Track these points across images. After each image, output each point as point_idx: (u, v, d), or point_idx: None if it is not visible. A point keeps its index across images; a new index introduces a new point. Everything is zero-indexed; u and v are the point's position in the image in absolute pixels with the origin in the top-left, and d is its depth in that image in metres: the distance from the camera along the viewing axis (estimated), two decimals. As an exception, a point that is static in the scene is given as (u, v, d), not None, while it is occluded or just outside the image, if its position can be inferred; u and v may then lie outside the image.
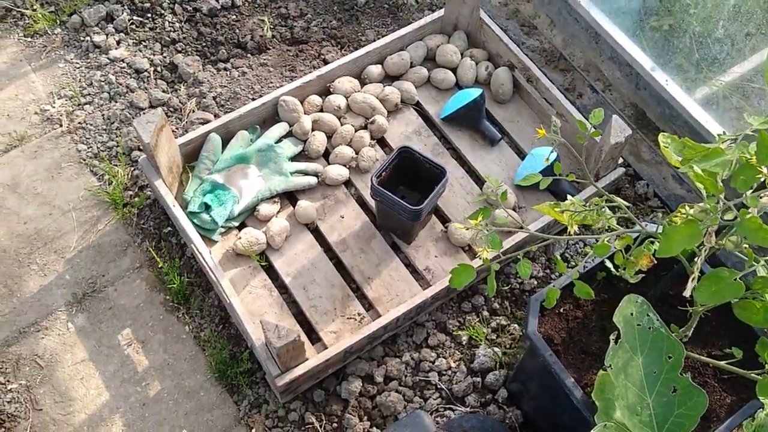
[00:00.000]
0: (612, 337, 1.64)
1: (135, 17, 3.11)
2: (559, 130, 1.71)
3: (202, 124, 2.85)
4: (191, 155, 2.66)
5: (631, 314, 1.62)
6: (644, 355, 1.58)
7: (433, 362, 2.48)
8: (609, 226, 1.75)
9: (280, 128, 2.72)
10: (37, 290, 2.59)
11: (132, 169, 2.79)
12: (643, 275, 1.78)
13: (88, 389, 2.44)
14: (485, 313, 2.58)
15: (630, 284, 1.82)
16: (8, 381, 2.44)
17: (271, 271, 2.55)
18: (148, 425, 2.39)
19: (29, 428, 2.37)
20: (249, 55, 3.08)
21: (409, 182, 2.57)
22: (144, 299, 2.59)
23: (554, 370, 1.93)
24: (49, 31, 3.11)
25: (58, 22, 3.12)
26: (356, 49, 3.10)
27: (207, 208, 2.56)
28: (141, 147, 2.66)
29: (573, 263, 2.69)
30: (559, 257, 2.28)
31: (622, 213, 1.74)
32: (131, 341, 2.52)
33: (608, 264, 1.85)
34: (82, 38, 3.09)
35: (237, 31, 3.12)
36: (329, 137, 2.76)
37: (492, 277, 1.70)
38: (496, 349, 2.49)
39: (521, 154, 2.85)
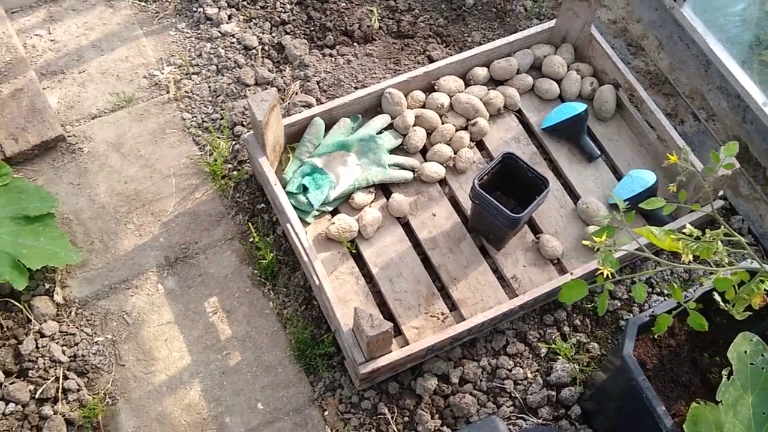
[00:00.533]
0: (725, 372, 1.63)
1: (251, -6, 3.16)
2: (687, 158, 1.70)
3: (305, 107, 2.89)
4: (293, 136, 2.71)
5: (745, 352, 1.61)
6: (755, 394, 1.57)
7: (510, 370, 2.49)
8: (722, 260, 1.73)
9: (382, 120, 2.74)
10: (131, 249, 2.66)
11: (233, 142, 2.84)
12: (750, 313, 1.76)
13: (170, 351, 2.51)
14: (566, 328, 2.57)
15: (728, 319, 1.81)
16: (95, 333, 2.52)
17: (358, 259, 2.58)
18: (225, 393, 2.44)
19: (111, 381, 2.45)
20: (355, 43, 3.11)
21: (506, 188, 2.57)
22: (232, 270, 2.65)
23: (646, 395, 1.92)
24: (163, 0, 3.18)
25: (174, -9, 3.19)
26: (461, 48, 3.12)
27: (304, 190, 2.60)
28: (250, 123, 2.71)
29: (658, 289, 2.67)
30: (639, 284, 2.27)
31: (735, 247, 1.73)
32: (217, 310, 2.58)
33: (717, 297, 1.83)
34: (194, 9, 3.15)
35: (345, 18, 3.15)
36: (429, 134, 2.78)
37: (605, 296, 1.70)
38: (574, 365, 2.49)
39: (617, 173, 2.83)
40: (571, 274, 2.46)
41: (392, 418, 2.40)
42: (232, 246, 2.69)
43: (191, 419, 2.40)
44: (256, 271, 2.64)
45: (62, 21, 3.10)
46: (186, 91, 2.95)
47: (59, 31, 3.08)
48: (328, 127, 2.72)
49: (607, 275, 1.66)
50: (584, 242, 1.82)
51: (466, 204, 2.66)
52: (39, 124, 2.77)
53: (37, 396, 2.36)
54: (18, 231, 2.47)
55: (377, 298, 2.52)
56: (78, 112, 2.89)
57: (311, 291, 2.58)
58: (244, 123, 2.87)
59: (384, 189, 2.70)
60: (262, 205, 2.74)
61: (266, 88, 2.96)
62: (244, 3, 3.16)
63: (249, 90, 2.95)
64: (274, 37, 3.09)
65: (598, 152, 2.81)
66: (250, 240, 2.68)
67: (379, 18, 3.17)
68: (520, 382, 2.47)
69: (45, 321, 2.49)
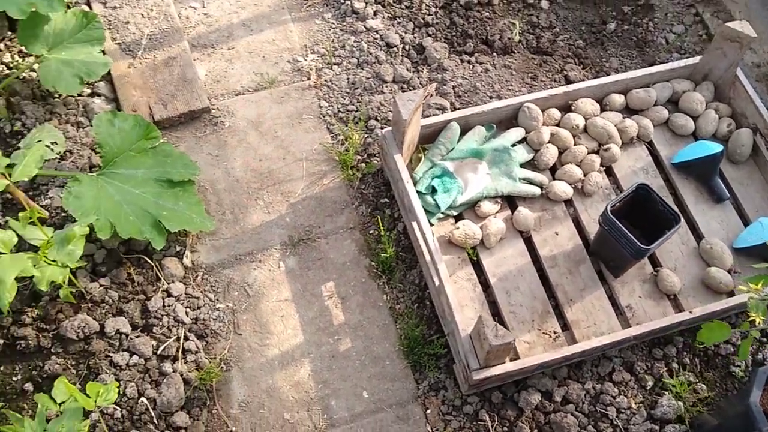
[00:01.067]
0: None
1: (395, -7, 3.23)
2: None
3: (439, 109, 2.95)
4: (427, 137, 2.76)
5: None
6: None
7: (614, 398, 2.49)
8: None
9: (517, 132, 2.77)
10: (258, 224, 2.76)
11: (366, 135, 2.92)
12: None
13: (285, 327, 2.60)
14: (675, 365, 2.56)
15: None
16: (217, 300, 2.63)
17: (477, 266, 2.62)
18: (333, 377, 2.52)
19: (227, 348, 2.55)
20: (494, 53, 3.15)
21: (632, 218, 2.57)
22: (351, 259, 2.72)
23: (769, 447, 1.91)
24: (313, -13, 3.28)
25: (323, -19, 3.28)
26: (597, 73, 3.12)
27: (433, 191, 2.66)
28: (385, 118, 2.77)
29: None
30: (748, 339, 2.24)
31: None
32: (332, 295, 2.66)
33: None
34: (342, 1, 3.24)
35: (487, 28, 3.19)
36: (560, 153, 2.80)
37: (748, 343, 1.70)
38: (680, 403, 2.47)
39: (744, 218, 2.79)
40: (690, 312, 2.45)
41: (492, 426, 2.44)
42: (353, 235, 2.77)
43: (298, 396, 2.49)
44: (373, 263, 2.71)
45: (216, -2, 3.23)
46: (326, 80, 3.04)
47: (213, 6, 3.21)
48: (462, 133, 2.77)
49: (754, 322, 1.66)
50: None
51: (590, 227, 2.67)
52: (188, 94, 2.90)
53: (159, 352, 2.48)
54: (160, 193, 2.60)
55: (492, 307, 2.56)
56: (223, 86, 3.01)
57: (425, 290, 2.64)
58: (379, 118, 2.94)
59: (510, 201, 2.73)
60: (386, 200, 2.81)
61: (402, 86, 3.03)
62: (390, 1, 3.22)
63: (386, 86, 3.02)
64: (415, 37, 3.15)
65: (728, 194, 2.78)
66: (371, 232, 2.75)
67: (520, 32, 3.20)
68: (623, 411, 2.48)
69: (173, 282, 2.61)
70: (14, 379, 2.42)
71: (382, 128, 2.92)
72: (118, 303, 2.54)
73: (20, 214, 2.23)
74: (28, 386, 2.41)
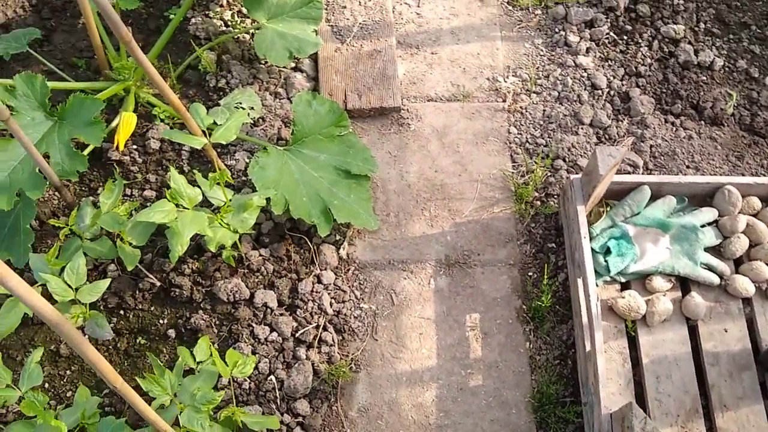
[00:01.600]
0: None
1: (613, 34, 3.09)
2: None
3: (630, 166, 2.81)
4: (613, 193, 2.63)
5: None
6: None
7: None
8: None
9: (710, 214, 2.60)
10: (419, 235, 2.74)
11: (549, 173, 2.82)
12: None
13: (421, 346, 2.57)
14: (822, 508, 2.33)
15: None
16: (363, 299, 2.64)
17: (632, 341, 2.48)
18: (456, 409, 2.47)
19: (361, 350, 2.55)
20: (702, 121, 2.96)
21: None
22: (503, 296, 2.65)
23: None
24: (530, 9, 3.19)
25: (543, 4, 3.19)
26: (812, 169, 2.87)
27: (606, 252, 2.54)
28: (585, 169, 2.63)
29: None
30: None
31: None
32: (475, 327, 2.60)
33: None
34: (557, 30, 3.14)
35: (701, 93, 3.00)
36: (751, 246, 2.60)
37: None
38: None
39: None
40: None
41: None
42: (511, 272, 2.69)
43: (417, 418, 2.45)
44: (524, 307, 2.63)
45: (433, -1, 3.21)
46: (521, 107, 2.96)
47: (427, 6, 3.19)
48: (651, 198, 2.62)
49: None
50: None
51: (765, 333, 2.47)
52: (383, 90, 2.90)
53: (297, 335, 2.51)
54: (336, 181, 2.62)
55: (637, 388, 2.42)
56: (418, 89, 3.00)
57: (571, 349, 2.53)
58: (567, 159, 2.84)
59: (683, 283, 2.57)
60: (553, 245, 2.71)
61: (598, 132, 2.91)
62: (606, 41, 3.09)
63: (582, 128, 2.90)
64: (623, 84, 3.01)
65: None
66: (530, 274, 2.67)
67: (735, 104, 2.99)
68: None
69: (326, 269, 2.63)
70: (161, 321, 2.53)
71: (568, 170, 2.81)
72: (271, 276, 2.59)
73: (210, 175, 2.30)
74: (171, 332, 2.51)
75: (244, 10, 3.00)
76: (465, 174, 2.85)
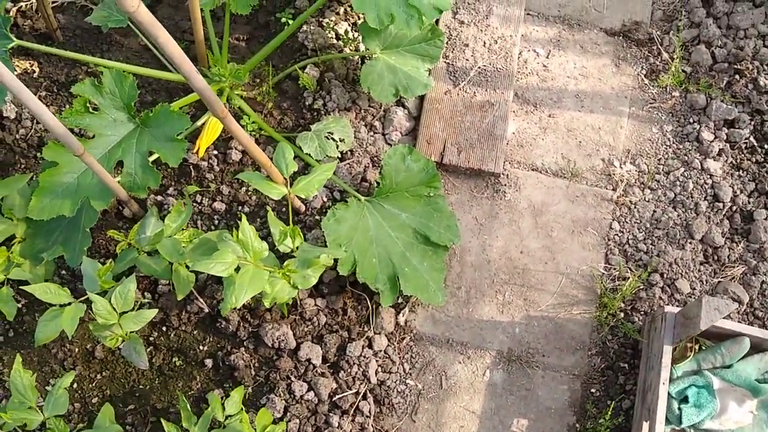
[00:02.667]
0: None
1: (753, 140, 2.76)
2: None
3: (734, 300, 2.53)
4: (707, 333, 2.37)
5: None
6: None
7: None
8: None
9: (810, 387, 2.32)
10: (486, 319, 2.54)
11: (641, 287, 2.56)
12: None
13: (459, 441, 2.41)
14: None
15: None
16: (410, 374, 2.48)
17: (685, 501, 2.27)
18: None
19: (396, 428, 2.41)
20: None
21: None
22: (558, 408, 2.45)
23: None
24: (668, 88, 2.87)
25: (683, 87, 2.86)
26: None
27: (683, 399, 2.30)
28: (684, 312, 2.31)
29: None
30: None
31: None
32: (521, 435, 2.42)
33: None
34: (691, 120, 2.82)
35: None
36: None
37: None
38: None
39: None
40: None
41: None
42: (573, 384, 2.48)
43: None
44: (578, 425, 2.43)
45: (564, 51, 2.91)
46: (630, 201, 2.69)
47: (556, 60, 2.90)
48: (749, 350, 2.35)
49: None
50: None
51: None
52: (486, 151, 2.66)
53: (334, 399, 2.38)
54: (412, 245, 2.43)
55: None
56: (524, 154, 2.75)
57: (616, 489, 2.33)
58: (666, 275, 2.57)
59: (758, 452, 2.32)
60: (626, 365, 2.49)
61: (707, 250, 2.62)
62: (744, 146, 2.76)
63: (690, 243, 2.62)
64: (750, 202, 2.69)
65: None
66: (593, 390, 2.46)
67: None
68: None
69: (379, 333, 2.47)
70: (200, 348, 2.43)
71: (663, 289, 2.55)
72: (321, 329, 2.45)
73: (281, 228, 2.14)
74: (209, 362, 2.41)
75: (360, 37, 2.77)
76: (552, 263, 2.62)
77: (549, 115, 2.81)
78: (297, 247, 2.22)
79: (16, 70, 2.70)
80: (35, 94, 2.67)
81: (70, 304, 2.15)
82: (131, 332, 2.20)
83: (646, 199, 2.70)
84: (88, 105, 2.20)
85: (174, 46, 1.39)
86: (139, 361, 2.21)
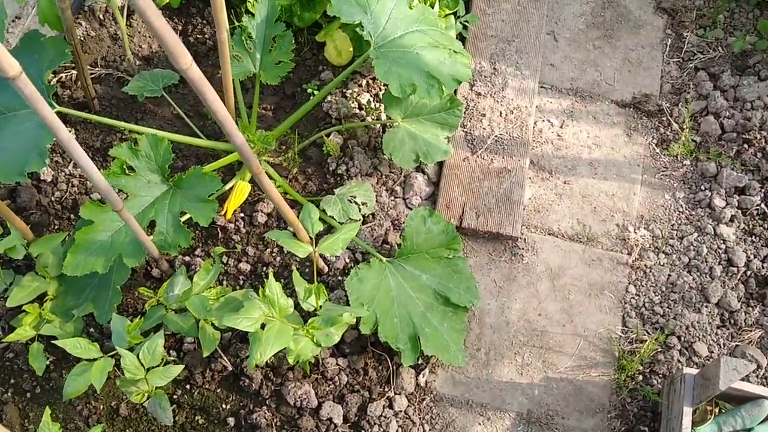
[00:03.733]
0: None
1: (765, 206, 2.83)
2: None
3: (751, 361, 2.54)
4: (727, 395, 2.38)
5: None
6: None
7: None
8: None
9: (832, 450, 2.31)
10: (505, 380, 2.57)
11: (659, 349, 2.59)
12: None
13: (479, 504, 2.40)
14: None
15: None
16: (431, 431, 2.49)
17: None
18: None
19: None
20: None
21: None
22: (578, 472, 2.45)
23: None
24: (679, 157, 2.96)
25: (694, 155, 2.95)
26: None
27: (704, 461, 2.30)
28: (703, 373, 2.34)
29: None
30: None
31: None
32: (542, 498, 2.41)
33: None
34: (703, 188, 2.90)
35: None
36: None
37: None
38: None
39: None
40: None
41: None
42: (593, 447, 2.48)
43: None
44: (599, 490, 2.42)
45: (577, 121, 3.03)
46: (646, 265, 2.74)
47: (570, 129, 3.01)
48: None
49: None
50: None
51: None
52: (504, 215, 2.74)
53: (355, 459, 2.39)
54: (432, 306, 2.48)
55: None
56: (541, 219, 2.82)
57: None
58: (683, 338, 2.60)
59: None
60: (646, 429, 2.49)
61: (723, 314, 2.66)
62: (755, 213, 2.83)
63: (706, 307, 2.66)
64: (765, 267, 2.74)
65: None
66: (613, 454, 2.46)
67: None
68: None
69: (400, 394, 2.50)
70: (223, 406, 2.46)
71: (681, 352, 2.58)
72: (343, 388, 2.48)
73: (306, 287, 2.21)
74: (231, 420, 2.44)
75: (383, 107, 2.90)
76: (570, 325, 2.66)
77: (564, 182, 2.90)
78: (320, 306, 2.28)
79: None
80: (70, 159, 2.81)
81: (99, 358, 2.21)
82: (157, 388, 2.25)
83: (661, 264, 2.75)
84: (124, 167, 2.30)
85: (219, 104, 1.50)
86: (163, 417, 2.25)
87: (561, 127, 3.02)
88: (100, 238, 2.26)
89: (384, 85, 2.94)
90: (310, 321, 2.22)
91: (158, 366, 2.20)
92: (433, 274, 2.52)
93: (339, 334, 2.28)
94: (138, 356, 2.18)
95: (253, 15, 2.66)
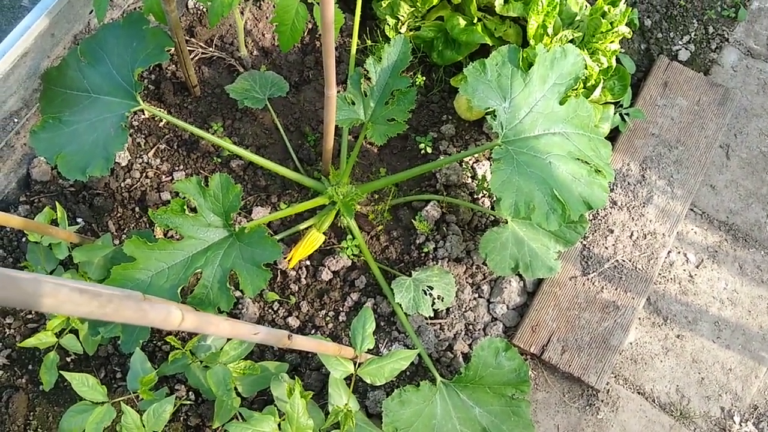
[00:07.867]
0: None
1: None
2: None
3: None
4: None
5: None
6: None
7: None
8: None
9: None
10: None
11: None
12: None
13: None
14: None
15: None
16: None
17: None
18: None
19: None
20: None
21: None
22: None
23: None
24: (827, 348, 2.45)
25: None
26: None
27: None
28: None
29: None
30: None
31: None
32: None
33: None
34: (843, 396, 2.38)
35: None
36: None
37: None
38: None
39: None
40: None
41: None
42: None
43: None
44: None
45: (718, 265, 2.54)
46: (738, 470, 2.30)
47: (706, 273, 2.53)
48: None
49: None
50: None
51: None
52: (594, 360, 2.35)
53: None
54: (476, 447, 2.16)
55: None
56: (634, 372, 2.41)
57: None
58: None
59: None
60: None
61: None
62: None
63: None
64: None
65: None
66: None
67: None
68: None
69: None
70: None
71: None
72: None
73: (333, 408, 1.93)
74: (228, 487, 2.24)
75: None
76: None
77: (677, 335, 2.45)
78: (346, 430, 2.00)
79: (143, 114, 2.61)
80: (155, 145, 2.58)
81: (102, 403, 2.04)
82: (158, 449, 2.06)
83: (758, 475, 2.31)
84: (185, 208, 2.05)
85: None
86: (155, 479, 2.08)
87: (697, 266, 2.54)
88: (139, 277, 2.03)
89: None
90: (335, 446, 1.96)
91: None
92: (488, 410, 2.19)
93: (359, 462, 2.01)
94: (142, 417, 1.99)
95: (380, 59, 2.28)
